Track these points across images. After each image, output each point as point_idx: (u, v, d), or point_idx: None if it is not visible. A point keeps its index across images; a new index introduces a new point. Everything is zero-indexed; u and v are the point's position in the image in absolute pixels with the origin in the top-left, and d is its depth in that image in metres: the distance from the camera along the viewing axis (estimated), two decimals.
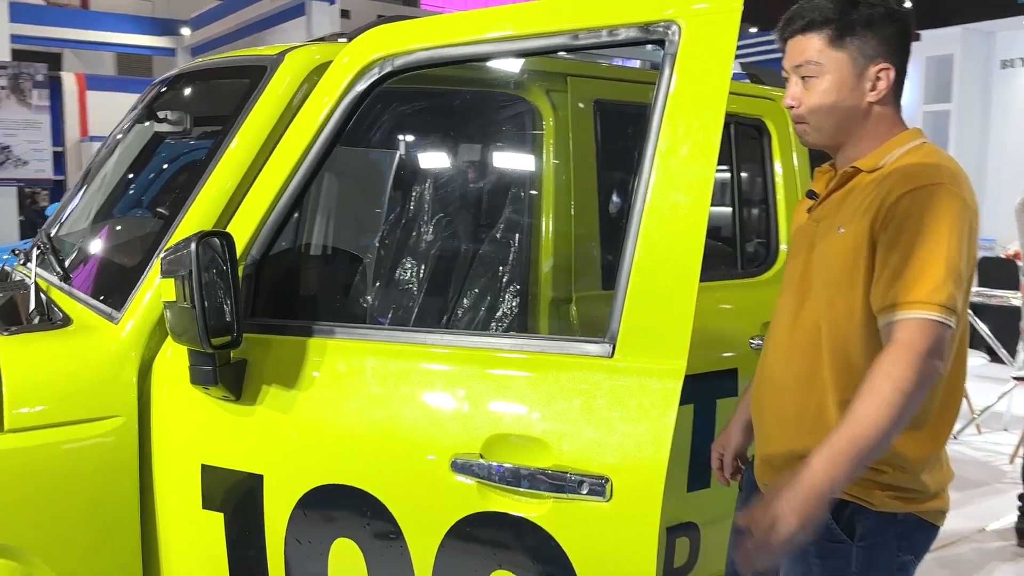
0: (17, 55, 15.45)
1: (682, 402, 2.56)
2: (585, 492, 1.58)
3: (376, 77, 1.82)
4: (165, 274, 1.67)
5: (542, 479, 1.61)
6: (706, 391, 2.67)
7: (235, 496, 1.83)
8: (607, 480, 1.57)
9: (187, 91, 2.51)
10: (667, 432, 1.57)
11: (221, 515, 1.84)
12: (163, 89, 2.63)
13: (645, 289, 1.61)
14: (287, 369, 1.81)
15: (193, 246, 1.64)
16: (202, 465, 1.84)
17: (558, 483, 1.60)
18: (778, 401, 1.83)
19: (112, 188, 2.54)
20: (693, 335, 2.63)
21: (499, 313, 2.45)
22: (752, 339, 2.77)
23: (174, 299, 1.67)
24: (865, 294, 1.67)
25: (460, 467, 1.65)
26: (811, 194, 1.89)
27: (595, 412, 1.62)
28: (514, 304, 2.45)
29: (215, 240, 1.74)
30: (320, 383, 1.79)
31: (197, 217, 1.95)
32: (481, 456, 1.65)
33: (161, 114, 2.40)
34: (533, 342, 1.72)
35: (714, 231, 3.36)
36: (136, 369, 1.87)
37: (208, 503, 1.84)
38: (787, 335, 1.83)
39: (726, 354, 2.75)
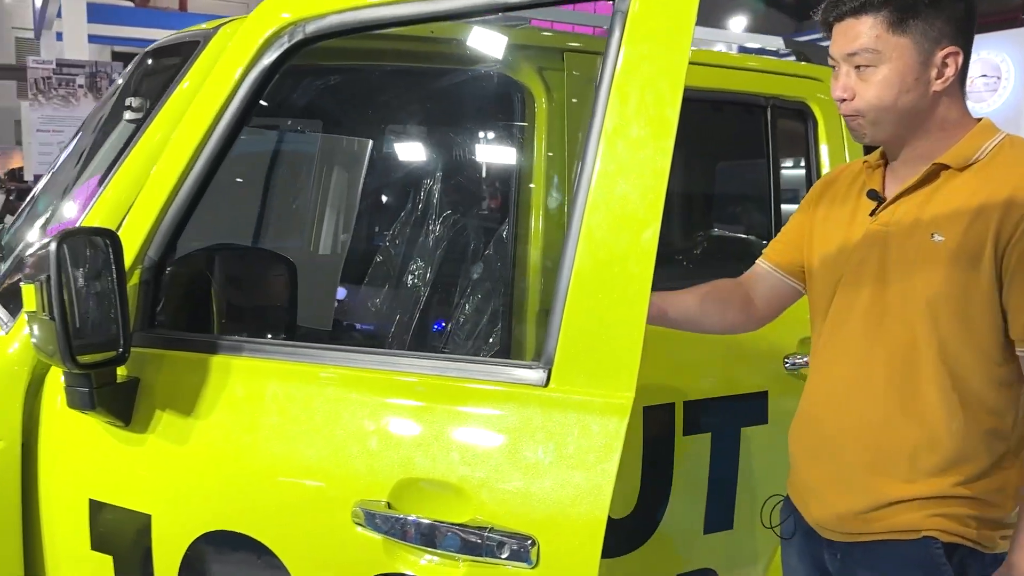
0: (117, 57, 15.78)
1: (699, 430, 2.32)
2: (505, 556, 1.31)
3: (286, 47, 1.58)
4: (25, 279, 1.45)
5: (456, 537, 1.34)
6: (728, 418, 2.36)
7: (124, 538, 1.61)
8: (533, 541, 1.30)
9: (141, 73, 2.31)
10: (607, 484, 1.29)
11: (111, 558, 1.62)
12: (128, 73, 2.45)
13: (587, 301, 1.34)
14: (183, 391, 1.58)
15: (53, 247, 1.42)
16: (90, 500, 1.62)
17: (474, 542, 1.33)
18: (860, 439, 1.61)
19: (60, 179, 2.36)
20: (715, 352, 2.36)
21: (477, 325, 2.17)
22: (787, 358, 2.43)
23: (35, 309, 1.45)
24: (989, 312, 1.51)
25: (364, 518, 1.39)
26: (873, 194, 1.66)
27: (523, 455, 1.34)
28: (495, 315, 2.18)
29: (96, 239, 1.53)
30: (218, 410, 1.55)
31: (103, 211, 1.73)
32: (389, 505, 1.39)
33: (125, 101, 2.22)
34: (454, 364, 1.45)
35: (749, 230, 3.01)
36: (23, 387, 1.67)
37: (97, 544, 1.63)
38: (861, 359, 1.61)
39: (754, 374, 2.41)
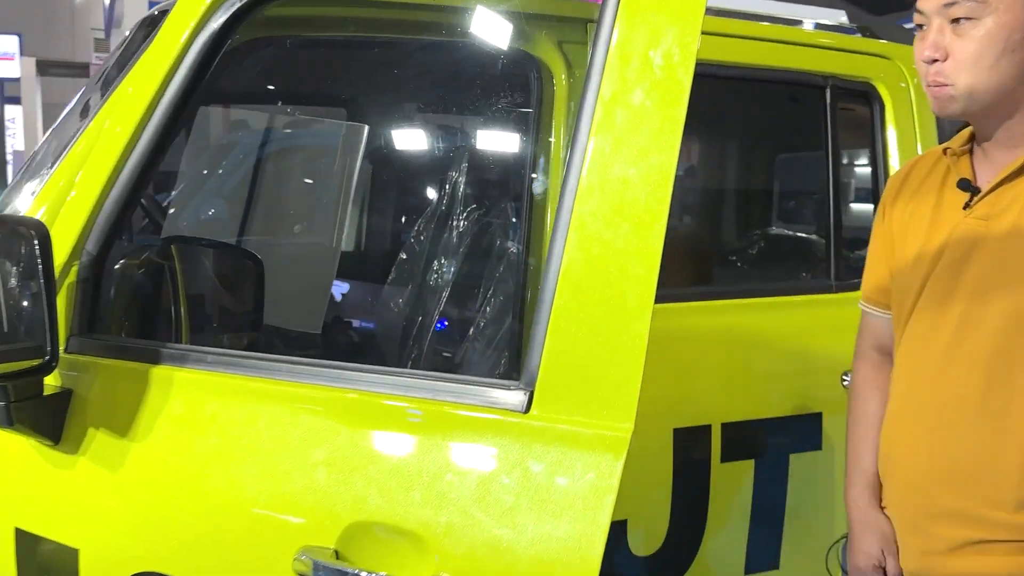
0: None
1: (740, 456, 2.05)
2: None
3: (237, 7, 1.37)
4: None
5: None
6: (775, 442, 2.08)
7: (50, 574, 1.41)
8: None
9: (127, 45, 2.12)
10: (597, 537, 1.06)
11: None
12: (120, 44, 2.26)
13: (578, 309, 1.11)
14: (119, 407, 1.38)
15: None
16: (16, 529, 1.43)
17: None
18: (956, 469, 1.40)
19: (38, 160, 2.18)
20: (758, 367, 2.09)
21: (485, 339, 1.94)
22: (845, 375, 2.14)
23: None
24: None
25: (312, 568, 1.17)
26: (964, 184, 1.45)
27: (496, 498, 1.12)
28: (504, 326, 1.94)
29: (20, 229, 1.33)
30: (155, 430, 1.35)
31: (50, 198, 1.53)
32: (336, 554, 1.16)
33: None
34: (420, 382, 1.22)
35: (805, 229, 2.72)
36: None
37: None
38: (957, 375, 1.41)
39: (806, 393, 2.13)
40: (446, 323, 2.00)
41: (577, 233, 1.10)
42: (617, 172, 1.09)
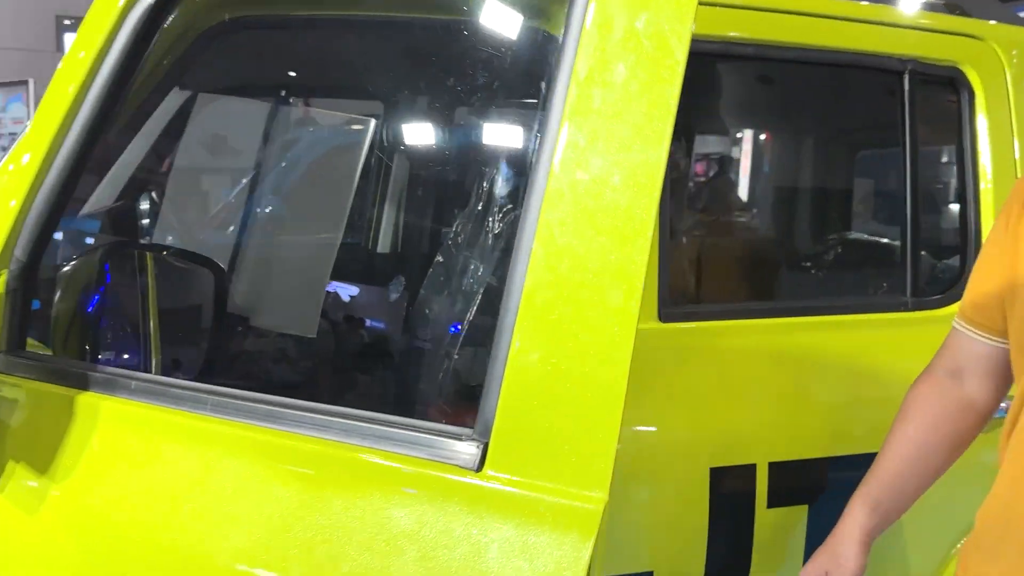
0: None
1: (791, 501, 1.81)
2: None
3: None
4: None
5: None
6: (833, 486, 1.83)
7: None
8: None
9: None
10: None
11: None
12: None
13: (542, 343, 0.90)
14: (43, 438, 1.22)
15: None
16: None
17: None
18: None
19: None
20: (813, 392, 1.84)
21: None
22: None
23: None
24: None
25: None
26: None
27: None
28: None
29: None
30: (77, 470, 1.19)
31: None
32: None
33: None
34: (358, 425, 1.02)
35: (874, 237, 2.44)
36: None
37: None
38: None
39: (875, 426, 1.87)
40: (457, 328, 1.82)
41: (543, 248, 0.90)
42: (594, 170, 0.88)
